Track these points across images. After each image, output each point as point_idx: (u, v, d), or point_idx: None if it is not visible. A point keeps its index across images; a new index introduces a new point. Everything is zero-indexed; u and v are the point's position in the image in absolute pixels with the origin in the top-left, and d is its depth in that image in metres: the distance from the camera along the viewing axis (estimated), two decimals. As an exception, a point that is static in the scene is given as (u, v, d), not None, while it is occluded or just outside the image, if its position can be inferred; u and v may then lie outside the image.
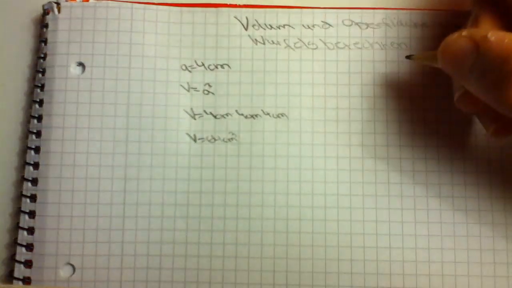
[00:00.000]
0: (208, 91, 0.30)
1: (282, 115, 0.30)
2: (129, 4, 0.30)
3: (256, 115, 0.30)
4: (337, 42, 0.31)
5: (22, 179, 0.29)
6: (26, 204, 0.29)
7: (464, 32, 0.23)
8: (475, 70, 0.23)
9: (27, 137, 0.30)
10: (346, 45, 0.30)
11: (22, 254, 0.28)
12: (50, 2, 0.31)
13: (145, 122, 0.30)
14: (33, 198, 0.29)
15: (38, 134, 0.29)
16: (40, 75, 0.30)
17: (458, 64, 0.24)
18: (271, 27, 0.31)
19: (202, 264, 0.28)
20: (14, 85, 0.31)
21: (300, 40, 0.31)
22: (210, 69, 0.30)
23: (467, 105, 0.26)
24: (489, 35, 0.22)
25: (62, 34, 0.30)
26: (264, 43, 0.31)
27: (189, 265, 0.28)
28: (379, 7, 0.31)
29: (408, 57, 0.29)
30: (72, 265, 0.28)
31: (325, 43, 0.30)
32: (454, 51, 0.24)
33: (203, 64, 0.30)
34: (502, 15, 0.25)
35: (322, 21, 0.31)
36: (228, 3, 0.31)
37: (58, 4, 0.30)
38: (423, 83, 0.30)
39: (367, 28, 0.31)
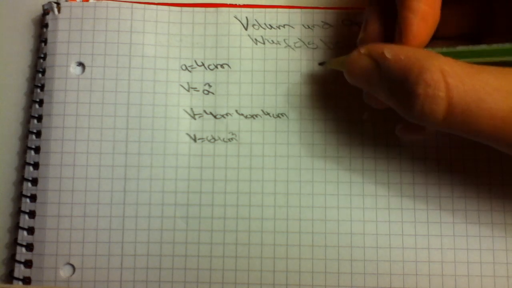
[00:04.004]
0: (208, 91, 0.30)
1: (282, 115, 0.30)
2: (129, 4, 0.30)
3: (256, 115, 0.30)
4: (337, 42, 0.31)
5: (22, 179, 0.29)
6: (26, 204, 0.29)
7: (363, 50, 0.24)
8: (383, 85, 0.23)
9: (27, 137, 0.30)
10: (346, 45, 0.30)
11: (22, 254, 0.28)
12: (50, 2, 0.30)
13: (145, 122, 0.30)
14: (33, 198, 0.29)
15: (38, 134, 0.29)
16: (40, 75, 0.30)
17: (365, 82, 0.24)
18: (271, 27, 0.31)
19: (202, 264, 0.28)
20: (14, 85, 0.31)
21: (300, 40, 0.31)
22: (210, 69, 0.30)
23: (374, 103, 0.27)
24: (386, 52, 0.22)
25: (62, 34, 0.30)
26: (264, 43, 0.31)
27: (189, 265, 0.28)
28: (379, 7, 0.31)
29: (321, 64, 0.29)
30: (72, 265, 0.28)
31: (325, 43, 0.30)
32: (358, 71, 0.24)
33: (203, 64, 0.30)
34: (387, 14, 0.26)
35: (322, 21, 0.31)
36: (228, 3, 0.31)
37: (58, 4, 0.30)
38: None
39: (367, 28, 0.31)
